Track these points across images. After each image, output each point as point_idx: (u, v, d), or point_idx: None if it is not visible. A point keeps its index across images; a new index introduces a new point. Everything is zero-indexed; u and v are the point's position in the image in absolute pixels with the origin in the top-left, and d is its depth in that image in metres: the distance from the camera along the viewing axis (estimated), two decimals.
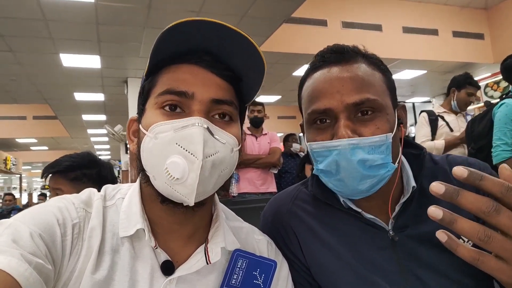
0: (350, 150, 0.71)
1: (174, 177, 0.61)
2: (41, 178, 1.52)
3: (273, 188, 3.76)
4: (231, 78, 0.70)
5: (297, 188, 0.95)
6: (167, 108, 0.66)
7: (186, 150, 0.61)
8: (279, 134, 5.30)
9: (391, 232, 0.79)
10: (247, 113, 3.75)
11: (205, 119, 0.64)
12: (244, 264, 0.73)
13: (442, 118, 3.19)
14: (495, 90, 6.67)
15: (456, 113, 3.24)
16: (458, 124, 3.17)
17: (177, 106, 0.66)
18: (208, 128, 0.63)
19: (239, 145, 0.70)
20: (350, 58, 0.78)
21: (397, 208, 0.81)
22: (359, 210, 0.81)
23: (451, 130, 3.13)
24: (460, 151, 3.05)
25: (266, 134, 3.85)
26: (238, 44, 0.66)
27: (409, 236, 0.78)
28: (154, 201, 0.68)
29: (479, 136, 2.65)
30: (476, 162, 0.87)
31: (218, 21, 0.63)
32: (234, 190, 3.51)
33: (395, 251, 0.78)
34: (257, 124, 3.79)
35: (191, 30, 0.64)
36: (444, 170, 0.84)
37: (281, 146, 4.17)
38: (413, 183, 0.80)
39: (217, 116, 0.68)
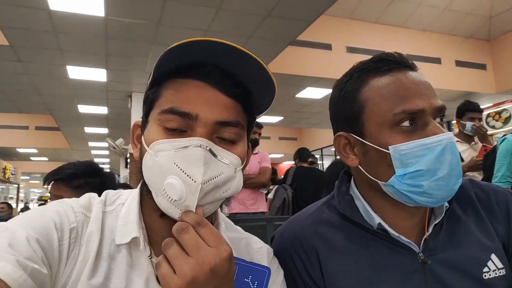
0: (453, 144, 0.71)
1: (172, 199, 0.60)
2: (43, 184, 1.51)
3: (263, 208, 3.72)
4: (239, 95, 0.68)
5: (319, 208, 0.90)
6: (169, 127, 0.64)
7: (184, 172, 0.59)
8: (279, 155, 5.30)
9: (421, 255, 0.76)
10: None
11: (207, 140, 0.62)
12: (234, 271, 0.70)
13: None
14: (497, 120, 6.69)
15: (470, 142, 3.27)
16: (470, 154, 3.18)
17: (180, 129, 0.64)
18: (210, 150, 0.61)
19: (242, 163, 0.69)
20: (415, 67, 0.79)
21: (430, 229, 0.78)
22: (392, 231, 0.77)
23: (462, 160, 3.14)
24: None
25: (256, 153, 3.80)
26: (245, 63, 0.64)
27: (439, 261, 0.76)
28: (153, 212, 0.67)
29: (489, 168, 2.78)
30: (500, 188, 0.86)
31: (224, 41, 0.61)
32: (226, 211, 3.47)
33: (425, 275, 0.75)
34: (254, 145, 3.76)
35: (197, 48, 0.63)
36: (469, 196, 0.84)
37: (273, 166, 4.13)
38: (445, 203, 0.78)
39: (221, 138, 0.66)
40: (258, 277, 0.70)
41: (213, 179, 0.61)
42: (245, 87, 0.69)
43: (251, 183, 3.62)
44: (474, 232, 0.79)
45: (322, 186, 4.56)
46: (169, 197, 0.60)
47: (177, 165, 0.60)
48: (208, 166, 0.60)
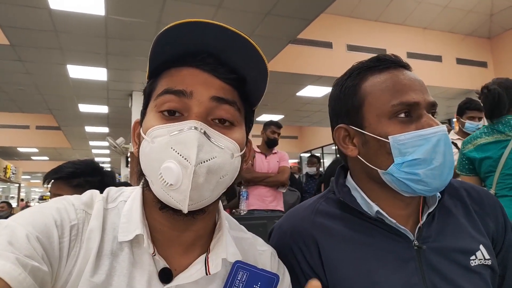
0: (446, 136, 0.76)
1: (168, 183, 0.59)
2: (43, 183, 1.50)
3: (281, 206, 3.76)
4: (234, 81, 0.68)
5: (316, 201, 0.93)
6: (166, 112, 0.64)
7: (180, 155, 0.59)
8: None
9: (415, 242, 0.80)
10: (267, 132, 3.77)
11: (202, 122, 0.62)
12: (244, 277, 0.70)
13: (455, 145, 3.21)
14: None
15: None
16: None
17: (175, 111, 0.64)
18: (205, 132, 0.61)
19: (241, 150, 0.68)
20: (410, 67, 0.85)
21: (424, 218, 0.83)
22: (389, 218, 0.81)
23: None
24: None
25: (276, 153, 3.89)
26: (237, 45, 0.64)
27: (432, 249, 0.80)
28: (154, 207, 0.67)
29: None
30: (489, 193, 0.93)
31: (215, 22, 0.62)
32: (244, 207, 3.51)
33: (420, 262, 0.79)
34: (273, 145, 3.86)
35: (189, 31, 0.63)
36: (460, 193, 0.90)
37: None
38: (437, 193, 0.83)
39: (217, 121, 0.66)
40: (266, 284, 0.70)
41: (205, 161, 0.60)
42: (239, 75, 0.69)
43: (270, 182, 3.67)
44: (464, 225, 0.85)
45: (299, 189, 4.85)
46: (165, 182, 0.60)
47: (173, 149, 0.60)
48: (201, 148, 0.60)
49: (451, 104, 8.25)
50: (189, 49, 0.66)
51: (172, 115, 0.64)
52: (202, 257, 0.70)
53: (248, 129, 0.74)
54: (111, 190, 0.75)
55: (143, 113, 0.71)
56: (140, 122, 0.72)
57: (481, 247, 0.82)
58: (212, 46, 0.66)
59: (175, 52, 0.66)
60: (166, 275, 0.66)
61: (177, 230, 0.69)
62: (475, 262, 0.80)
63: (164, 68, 0.69)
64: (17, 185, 16.45)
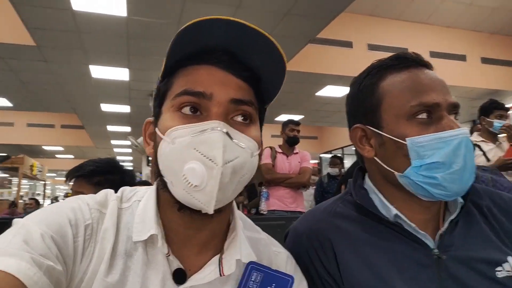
0: (468, 139, 0.73)
1: (192, 184, 0.59)
2: (65, 181, 1.54)
3: (302, 208, 3.73)
4: (250, 79, 0.67)
5: (334, 203, 0.92)
6: (184, 110, 0.63)
7: (205, 156, 0.58)
8: None
9: (435, 251, 0.77)
10: (286, 131, 3.75)
11: (224, 123, 0.61)
12: (258, 278, 0.70)
13: (479, 147, 3.14)
14: None
15: (494, 141, 3.21)
16: (496, 153, 3.12)
17: (195, 109, 0.64)
18: (227, 133, 0.61)
19: (259, 148, 0.68)
20: (431, 66, 0.82)
21: (446, 225, 0.79)
22: (409, 222, 0.78)
23: (488, 160, 3.07)
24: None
25: (297, 153, 3.84)
26: (256, 42, 0.64)
27: (453, 257, 0.76)
28: (171, 207, 0.66)
29: None
30: None
31: (235, 19, 0.61)
32: (264, 207, 3.52)
33: (438, 271, 0.75)
34: (294, 143, 3.81)
35: (208, 28, 0.62)
36: (486, 201, 0.85)
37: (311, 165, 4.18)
38: (460, 199, 0.80)
39: (236, 118, 0.65)
40: (281, 285, 0.70)
41: (230, 161, 0.60)
42: (255, 73, 0.68)
43: (291, 183, 3.64)
44: (489, 235, 0.80)
45: None
46: (189, 183, 0.59)
47: (197, 150, 0.59)
48: (226, 149, 0.59)
49: (475, 104, 8.02)
50: (207, 46, 0.66)
51: (191, 113, 0.64)
52: (216, 257, 0.69)
53: (261, 127, 0.74)
54: (125, 190, 0.75)
55: (158, 112, 0.69)
56: (154, 122, 0.71)
57: (509, 258, 0.76)
58: (231, 43, 0.65)
59: (192, 50, 0.66)
60: (180, 276, 0.66)
61: (193, 229, 0.68)
62: (502, 274, 0.74)
63: (179, 66, 0.68)
64: (43, 182, 16.93)
